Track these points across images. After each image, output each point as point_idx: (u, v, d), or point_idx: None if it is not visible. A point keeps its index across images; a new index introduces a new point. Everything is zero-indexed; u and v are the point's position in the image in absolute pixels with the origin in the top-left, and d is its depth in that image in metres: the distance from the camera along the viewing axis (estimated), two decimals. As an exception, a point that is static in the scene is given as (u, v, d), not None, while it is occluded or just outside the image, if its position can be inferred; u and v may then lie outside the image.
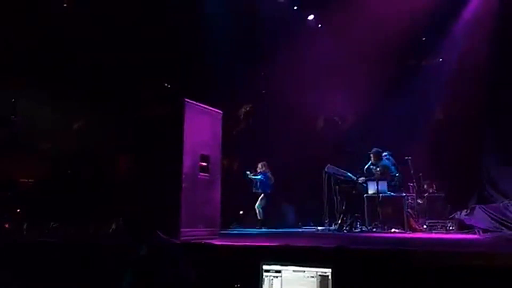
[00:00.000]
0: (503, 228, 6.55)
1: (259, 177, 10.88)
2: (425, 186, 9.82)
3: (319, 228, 9.16)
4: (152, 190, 5.51)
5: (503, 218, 6.72)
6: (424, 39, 11.88)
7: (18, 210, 11.50)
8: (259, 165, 11.06)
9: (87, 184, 12.62)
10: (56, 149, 14.32)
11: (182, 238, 5.09)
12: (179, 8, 11.52)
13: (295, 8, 11.90)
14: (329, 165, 9.34)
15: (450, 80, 11.00)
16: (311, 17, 12.37)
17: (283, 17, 11.80)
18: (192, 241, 5.09)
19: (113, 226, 8.46)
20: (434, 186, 9.79)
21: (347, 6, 10.65)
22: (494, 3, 9.81)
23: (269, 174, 10.92)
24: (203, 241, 4.99)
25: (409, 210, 8.72)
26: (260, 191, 10.81)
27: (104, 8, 11.05)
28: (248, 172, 11.09)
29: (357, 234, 8.20)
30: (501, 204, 7.65)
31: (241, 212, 11.93)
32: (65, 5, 11.35)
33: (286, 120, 12.70)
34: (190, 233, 5.28)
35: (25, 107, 11.46)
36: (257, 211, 10.66)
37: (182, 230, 5.17)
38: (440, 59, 11.89)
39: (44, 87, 12.09)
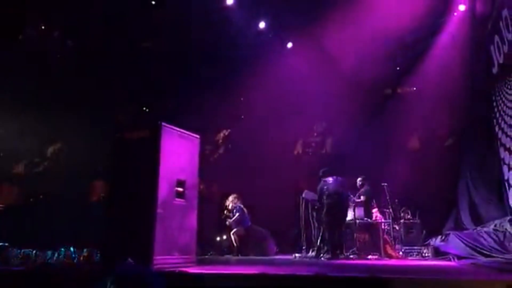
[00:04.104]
0: (477, 254, 6.59)
1: (237, 215, 10.63)
2: (401, 213, 9.89)
3: (296, 255, 9.06)
4: (126, 216, 5.38)
5: (477, 244, 6.78)
6: (398, 68, 12.24)
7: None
8: (230, 198, 10.84)
9: (61, 209, 12.30)
10: (28, 174, 13.99)
11: (155, 266, 4.96)
12: (160, 34, 11.61)
13: (273, 36, 12.09)
14: (306, 190, 9.32)
15: (425, 108, 11.29)
16: (289, 45, 12.60)
17: (262, 44, 11.99)
18: (166, 269, 4.96)
19: (86, 253, 8.20)
20: (409, 212, 9.86)
21: (324, 36, 10.92)
22: (465, 34, 10.22)
23: (241, 206, 10.70)
24: (177, 269, 4.87)
25: (385, 236, 8.74)
26: (239, 227, 10.59)
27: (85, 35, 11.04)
28: (227, 222, 10.75)
29: (334, 261, 8.13)
30: (475, 231, 7.75)
31: (218, 239, 11.74)
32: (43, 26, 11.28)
33: (264, 145, 12.74)
34: (164, 261, 5.14)
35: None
36: (232, 238, 10.46)
37: (155, 257, 5.03)
38: (414, 88, 12.23)
39: (18, 110, 11.88)
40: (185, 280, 4.45)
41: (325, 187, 8.46)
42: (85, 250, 8.14)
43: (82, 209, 12.22)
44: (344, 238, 8.49)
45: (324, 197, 8.39)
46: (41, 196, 13.40)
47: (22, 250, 8.12)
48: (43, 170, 14.03)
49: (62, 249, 8.52)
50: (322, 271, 4.54)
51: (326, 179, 8.57)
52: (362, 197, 9.32)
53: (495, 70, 8.71)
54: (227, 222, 10.69)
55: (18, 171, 14.18)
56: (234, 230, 10.44)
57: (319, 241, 8.61)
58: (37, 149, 13.89)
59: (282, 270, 5.35)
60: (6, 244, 8.32)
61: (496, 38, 8.46)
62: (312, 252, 8.87)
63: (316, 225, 8.92)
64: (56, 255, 8.23)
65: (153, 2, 10.54)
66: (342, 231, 8.46)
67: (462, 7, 10.40)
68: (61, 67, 11.38)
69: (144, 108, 13.44)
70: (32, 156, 14.09)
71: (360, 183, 9.68)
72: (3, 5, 9.01)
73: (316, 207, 8.88)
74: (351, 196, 9.14)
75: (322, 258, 8.23)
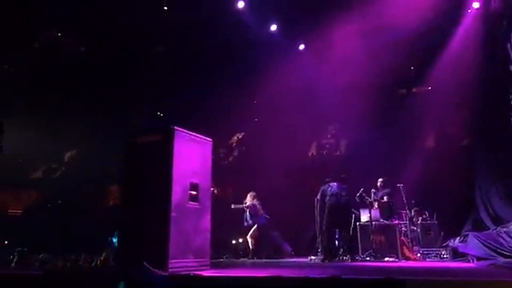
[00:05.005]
0: (496, 255, 6.46)
1: (258, 208, 10.57)
2: (418, 213, 9.76)
3: (312, 257, 8.99)
4: (140, 220, 5.41)
5: (496, 245, 6.65)
6: (412, 68, 12.09)
7: (6, 242, 11.30)
8: (248, 196, 10.78)
9: (78, 214, 12.47)
10: (47, 179, 14.22)
11: (170, 270, 4.97)
12: (172, 38, 11.68)
13: (285, 37, 12.04)
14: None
15: (441, 108, 11.12)
16: (302, 47, 12.54)
17: (274, 46, 11.95)
18: (181, 272, 4.96)
19: (103, 257, 8.30)
20: (426, 213, 9.73)
21: (338, 37, 10.85)
22: (480, 33, 10.04)
23: (258, 205, 10.67)
24: (191, 273, 4.88)
25: (402, 238, 8.62)
26: (250, 223, 10.53)
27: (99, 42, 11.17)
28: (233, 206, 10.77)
29: (350, 263, 8.06)
30: (494, 231, 7.60)
31: (233, 242, 11.74)
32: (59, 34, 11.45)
33: (278, 148, 12.70)
34: (179, 264, 5.14)
35: (15, 135, 11.40)
36: (249, 242, 10.41)
37: (170, 261, 5.03)
38: (429, 88, 12.06)
39: (35, 115, 12.08)
40: (200, 283, 4.45)
41: (329, 188, 8.67)
42: (103, 254, 8.25)
43: (99, 213, 12.37)
44: (348, 241, 8.56)
45: (327, 197, 8.53)
46: (59, 201, 13.61)
47: (41, 255, 8.25)
48: (60, 176, 14.25)
49: (80, 253, 8.65)
50: (337, 274, 4.50)
51: (331, 183, 8.73)
52: (385, 197, 9.25)
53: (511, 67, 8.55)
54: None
55: (36, 176, 14.43)
56: (251, 232, 10.36)
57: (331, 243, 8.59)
58: (55, 154, 14.11)
59: (297, 272, 5.32)
60: (25, 249, 8.47)
61: (512, 35, 8.32)
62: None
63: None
64: (73, 259, 8.34)
65: (165, 8, 10.60)
66: (348, 234, 8.54)
67: (476, 5, 10.23)
68: (76, 73, 11.54)
69: (158, 113, 13.54)
70: (50, 161, 14.33)
71: (381, 184, 9.59)
72: (15, 13, 9.19)
73: (319, 208, 8.88)
74: (367, 198, 9.08)
75: (326, 261, 8.15)
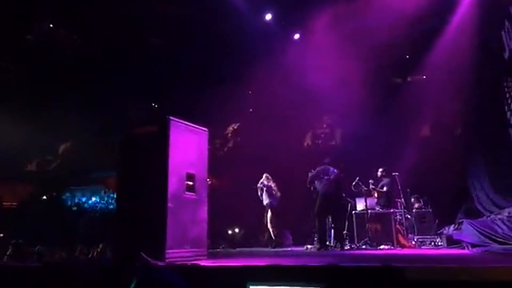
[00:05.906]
0: (491, 242, 6.53)
1: (269, 188, 10.46)
2: (413, 202, 9.82)
3: (308, 246, 9.03)
4: (137, 211, 5.40)
5: (491, 232, 6.72)
6: (407, 57, 12.07)
7: (2, 235, 11.28)
8: (264, 177, 10.62)
9: (74, 206, 12.44)
10: (41, 172, 14.16)
11: (167, 260, 4.98)
12: (167, 29, 11.60)
13: (280, 27, 11.97)
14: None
15: (435, 96, 11.14)
16: (296, 36, 12.49)
17: (269, 36, 11.90)
18: (178, 262, 4.97)
19: (100, 248, 8.30)
20: (421, 201, 9.79)
21: (333, 26, 10.80)
22: (475, 21, 10.03)
23: (273, 186, 10.53)
24: (188, 263, 4.89)
25: (397, 226, 8.68)
26: (266, 202, 10.40)
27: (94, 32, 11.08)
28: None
29: (346, 251, 8.11)
30: (488, 219, 7.68)
31: (229, 232, 11.77)
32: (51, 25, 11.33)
33: (273, 138, 12.70)
34: (176, 254, 5.16)
35: (8, 128, 11.33)
36: (270, 231, 10.23)
37: (167, 251, 5.05)
38: (424, 77, 12.07)
39: (29, 108, 11.98)
40: (197, 272, 4.46)
41: (329, 170, 8.55)
42: (100, 245, 8.25)
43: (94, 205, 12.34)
44: (340, 230, 8.56)
45: (320, 183, 8.50)
46: (54, 193, 13.57)
47: (37, 247, 8.24)
48: (55, 168, 14.20)
49: (76, 245, 8.64)
50: (335, 262, 4.52)
51: (330, 167, 8.65)
52: (385, 187, 9.28)
53: (506, 55, 8.57)
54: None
55: (31, 169, 14.36)
56: (269, 221, 10.21)
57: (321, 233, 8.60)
58: (49, 147, 14.03)
59: (294, 261, 5.34)
60: (21, 241, 8.45)
61: (506, 23, 8.33)
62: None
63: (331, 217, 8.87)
64: (70, 251, 8.34)
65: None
66: (339, 223, 8.57)
67: (472, -8, 10.20)
68: (71, 65, 11.45)
69: (153, 104, 13.50)
70: (44, 154, 14.26)
71: (381, 174, 9.61)
72: (8, 5, 9.07)
73: (312, 188, 8.85)
74: (363, 187, 9.10)
75: (322, 249, 8.17)
